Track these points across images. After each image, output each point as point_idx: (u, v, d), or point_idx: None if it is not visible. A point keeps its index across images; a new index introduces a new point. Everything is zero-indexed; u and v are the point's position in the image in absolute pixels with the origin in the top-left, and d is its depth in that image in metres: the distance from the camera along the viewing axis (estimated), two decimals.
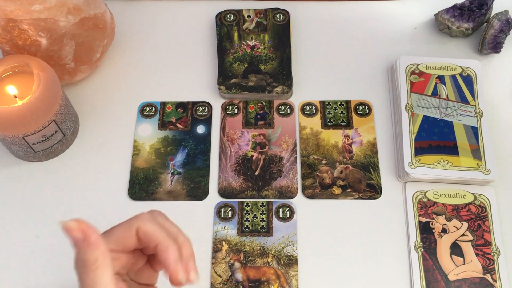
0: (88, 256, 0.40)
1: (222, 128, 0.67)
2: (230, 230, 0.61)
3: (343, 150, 0.65)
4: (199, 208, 0.62)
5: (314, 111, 0.68)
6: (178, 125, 0.67)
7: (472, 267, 0.58)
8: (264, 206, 0.62)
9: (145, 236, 0.43)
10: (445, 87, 0.66)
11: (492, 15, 0.70)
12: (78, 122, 0.67)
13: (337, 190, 0.63)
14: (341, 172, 0.64)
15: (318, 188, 0.63)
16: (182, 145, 0.66)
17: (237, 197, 0.63)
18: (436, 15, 0.73)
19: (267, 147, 0.66)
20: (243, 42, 0.71)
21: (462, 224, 0.60)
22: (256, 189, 0.63)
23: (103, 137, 0.67)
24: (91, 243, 0.40)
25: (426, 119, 0.64)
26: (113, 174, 0.64)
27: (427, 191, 0.62)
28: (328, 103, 0.68)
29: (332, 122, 0.67)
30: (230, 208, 0.62)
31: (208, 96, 0.69)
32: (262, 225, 0.61)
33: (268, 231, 0.61)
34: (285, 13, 0.73)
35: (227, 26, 0.72)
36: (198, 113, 0.68)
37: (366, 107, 0.68)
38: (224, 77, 0.68)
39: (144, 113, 0.68)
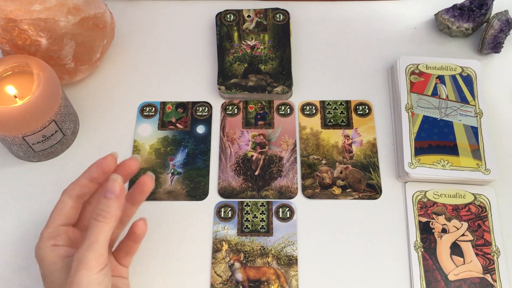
0: (112, 210, 0.47)
1: (222, 128, 0.67)
2: (230, 230, 0.61)
3: (343, 150, 0.65)
4: (199, 208, 0.62)
5: (314, 111, 0.68)
6: (178, 125, 0.67)
7: (472, 267, 0.58)
8: (264, 206, 0.62)
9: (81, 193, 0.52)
10: (445, 87, 0.66)
11: (492, 15, 0.70)
12: (78, 122, 0.67)
13: (337, 190, 0.63)
14: (341, 172, 0.64)
15: (318, 188, 0.63)
16: (182, 145, 0.66)
17: (237, 197, 0.63)
18: (436, 15, 0.73)
19: (267, 147, 0.66)
20: (243, 42, 0.71)
21: (462, 224, 0.60)
22: (256, 189, 0.63)
23: (103, 137, 0.67)
24: (121, 200, 0.48)
25: (426, 119, 0.64)
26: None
27: (427, 191, 0.62)
28: (328, 103, 0.68)
29: (332, 122, 0.67)
30: (230, 208, 0.62)
31: (208, 96, 0.69)
32: (262, 225, 0.61)
33: (268, 231, 0.61)
34: (285, 13, 0.73)
35: (227, 26, 0.72)
36: (198, 113, 0.68)
37: (366, 107, 0.68)
38: (224, 77, 0.68)
39: (144, 113, 0.68)
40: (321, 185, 0.63)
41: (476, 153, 0.62)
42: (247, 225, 0.61)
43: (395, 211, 0.62)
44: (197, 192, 0.63)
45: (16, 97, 0.58)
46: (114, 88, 0.70)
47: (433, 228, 0.60)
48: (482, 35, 0.70)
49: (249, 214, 0.62)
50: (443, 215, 0.61)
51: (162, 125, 0.67)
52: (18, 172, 0.65)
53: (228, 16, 0.73)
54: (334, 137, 0.66)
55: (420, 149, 0.62)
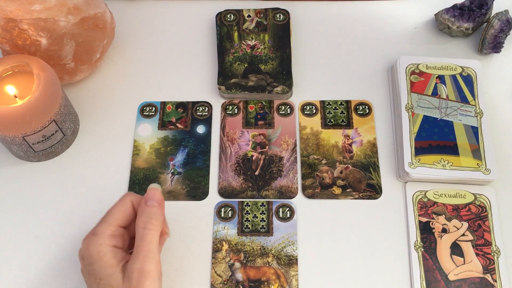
0: (157, 216, 0.49)
1: (222, 128, 0.67)
2: (230, 230, 0.61)
3: (343, 150, 0.65)
4: (199, 208, 0.62)
5: (314, 111, 0.68)
6: (178, 125, 0.67)
7: (472, 267, 0.58)
8: (264, 206, 0.62)
9: (138, 203, 0.52)
10: (445, 87, 0.66)
11: (492, 15, 0.70)
12: (78, 122, 0.67)
13: (337, 190, 0.63)
14: (341, 172, 0.64)
15: (318, 188, 0.63)
16: (182, 145, 0.66)
17: (237, 197, 0.63)
18: (436, 15, 0.73)
19: (267, 147, 0.66)
20: (243, 42, 0.71)
21: (462, 224, 0.60)
22: (256, 189, 0.63)
23: (103, 137, 0.67)
24: (163, 208, 0.51)
25: (426, 119, 0.64)
26: (113, 174, 0.64)
27: (427, 191, 0.62)
28: (328, 103, 0.68)
29: (332, 122, 0.67)
30: (230, 208, 0.62)
31: (208, 96, 0.69)
32: (262, 225, 0.61)
33: (268, 231, 0.61)
34: (285, 13, 0.73)
35: (227, 26, 0.72)
36: (198, 113, 0.68)
37: (366, 107, 0.68)
38: (224, 77, 0.68)
39: (144, 113, 0.68)
40: (321, 185, 0.63)
41: (476, 153, 0.62)
42: (247, 225, 0.61)
43: (395, 211, 0.62)
44: (197, 192, 0.63)
45: (16, 97, 0.58)
46: (114, 88, 0.70)
47: (433, 228, 0.60)
48: (482, 35, 0.70)
49: (249, 214, 0.62)
50: (443, 215, 0.61)
51: (162, 125, 0.67)
52: (18, 172, 0.65)
53: (228, 16, 0.73)
54: (334, 137, 0.66)
55: (420, 149, 0.62)
